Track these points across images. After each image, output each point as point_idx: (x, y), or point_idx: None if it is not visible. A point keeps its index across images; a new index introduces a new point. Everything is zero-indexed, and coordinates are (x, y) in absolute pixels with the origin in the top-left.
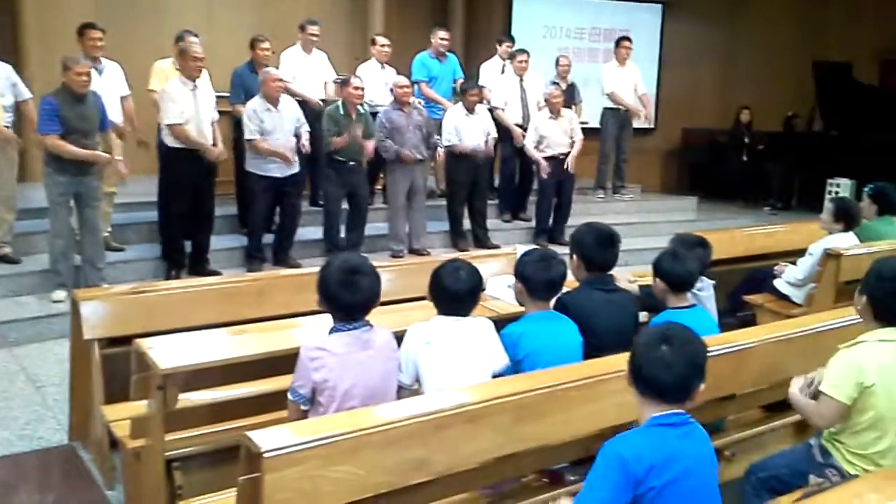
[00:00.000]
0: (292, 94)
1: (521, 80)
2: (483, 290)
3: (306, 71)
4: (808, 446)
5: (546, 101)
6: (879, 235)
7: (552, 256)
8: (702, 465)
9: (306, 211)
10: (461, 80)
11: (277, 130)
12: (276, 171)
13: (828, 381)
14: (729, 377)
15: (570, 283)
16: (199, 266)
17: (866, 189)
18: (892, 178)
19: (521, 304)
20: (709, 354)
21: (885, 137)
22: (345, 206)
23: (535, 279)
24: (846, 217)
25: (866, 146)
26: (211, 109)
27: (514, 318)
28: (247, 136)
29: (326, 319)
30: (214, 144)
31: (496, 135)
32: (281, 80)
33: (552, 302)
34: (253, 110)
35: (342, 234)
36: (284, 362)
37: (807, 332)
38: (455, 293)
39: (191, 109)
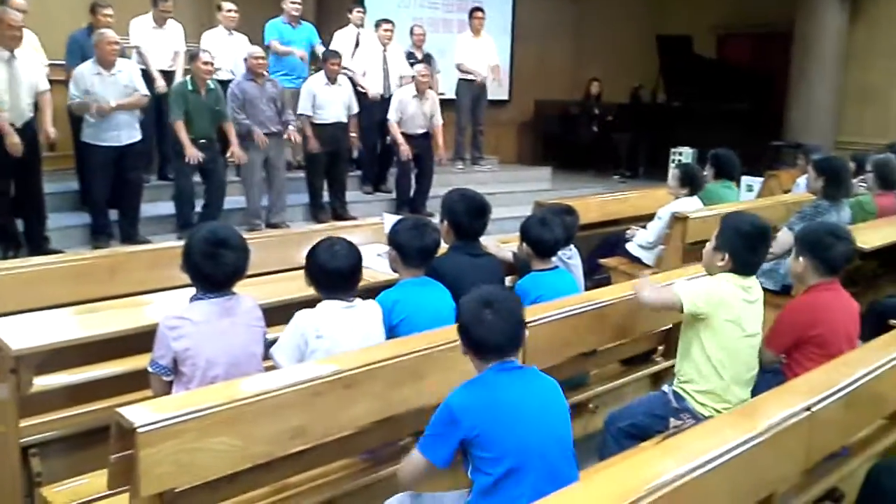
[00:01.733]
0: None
1: (385, 50)
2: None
3: (157, 43)
4: (663, 393)
5: (413, 79)
6: (720, 198)
7: (426, 224)
8: (539, 406)
9: (155, 185)
10: (319, 47)
11: (107, 95)
12: (114, 139)
13: (687, 288)
14: (591, 333)
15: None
16: (37, 245)
17: (709, 154)
18: (730, 145)
19: (394, 272)
20: (572, 312)
21: (722, 107)
22: (197, 179)
23: (409, 246)
24: (691, 182)
25: (706, 116)
26: (35, 81)
27: (386, 285)
28: (69, 100)
29: (185, 296)
30: (30, 125)
31: (357, 109)
32: (117, 42)
33: (425, 268)
34: (80, 73)
35: (196, 210)
36: (143, 340)
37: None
38: (334, 272)
39: (2, 83)
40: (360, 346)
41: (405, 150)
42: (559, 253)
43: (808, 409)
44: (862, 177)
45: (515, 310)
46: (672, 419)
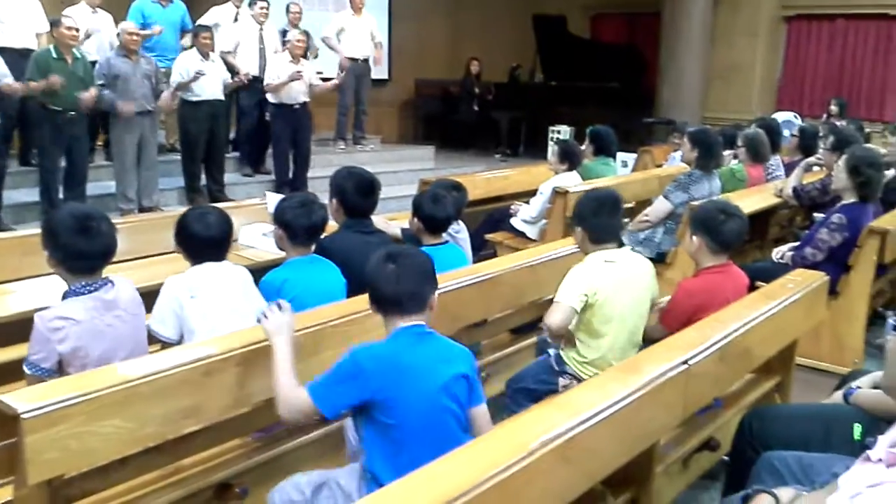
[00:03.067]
0: None
1: (261, 29)
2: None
3: (12, 18)
4: (547, 356)
5: (285, 45)
6: (598, 174)
7: (312, 201)
8: (446, 371)
9: (17, 171)
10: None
11: None
12: None
13: (560, 291)
14: (480, 304)
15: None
16: None
17: (588, 131)
18: (606, 123)
19: (281, 250)
20: (463, 284)
21: (597, 86)
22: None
23: (296, 224)
24: (570, 158)
25: (582, 95)
26: None
27: (273, 265)
28: None
29: (52, 283)
30: None
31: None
32: None
33: (313, 246)
34: None
35: (61, 195)
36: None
37: (544, 260)
38: (207, 239)
39: None
40: (235, 303)
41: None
42: (448, 228)
43: (685, 363)
44: (733, 150)
45: (420, 266)
46: (561, 379)
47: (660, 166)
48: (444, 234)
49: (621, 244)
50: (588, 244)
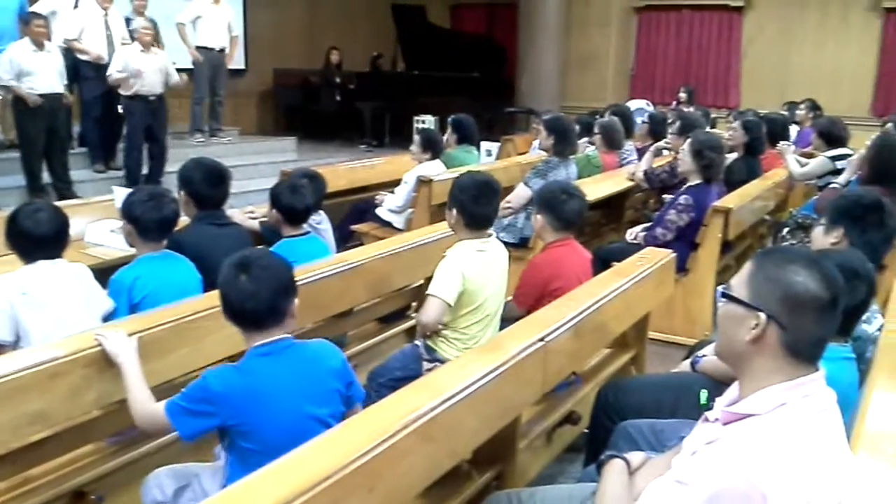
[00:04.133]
0: None
1: (106, 15)
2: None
3: None
4: (415, 346)
5: (132, 33)
6: (461, 162)
7: (162, 194)
8: (311, 380)
9: None
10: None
11: None
12: None
13: (435, 284)
14: (345, 294)
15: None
16: None
17: (449, 120)
18: (469, 112)
19: (131, 247)
20: (326, 274)
21: (459, 76)
22: None
23: (146, 219)
24: (432, 147)
25: (445, 84)
26: None
27: (123, 262)
28: None
29: None
30: None
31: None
32: None
33: (164, 242)
34: None
35: None
36: None
37: (410, 247)
38: (38, 237)
39: None
40: (73, 301)
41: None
42: (309, 219)
43: (542, 340)
44: (589, 138)
45: (277, 278)
46: (426, 363)
47: (523, 154)
48: (304, 226)
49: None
50: (463, 229)
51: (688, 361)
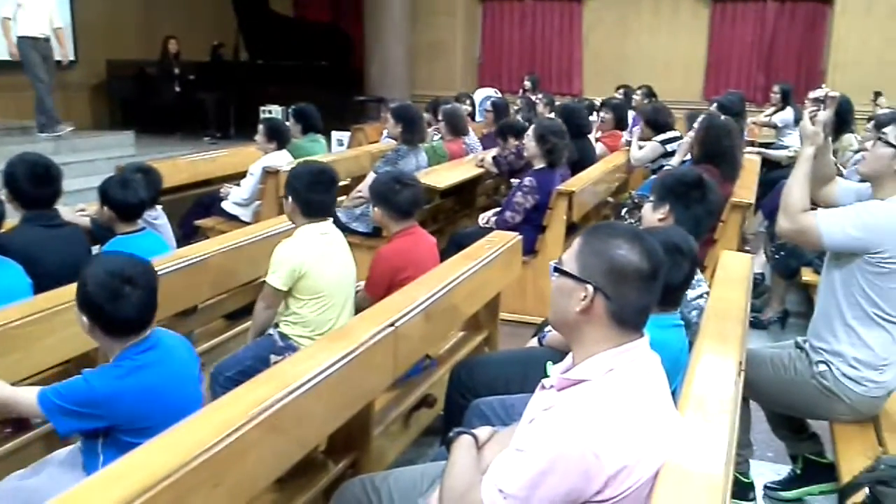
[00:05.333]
0: None
1: None
2: None
3: None
4: (270, 335)
5: None
6: (307, 152)
7: None
8: (179, 375)
9: None
10: None
11: None
12: None
13: (270, 273)
14: (186, 291)
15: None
16: None
17: (290, 110)
18: (317, 102)
19: None
20: (166, 271)
21: (305, 65)
22: None
23: None
24: (277, 136)
25: (291, 74)
26: None
27: None
28: None
29: None
30: None
31: None
32: None
33: None
34: None
35: None
36: None
37: (255, 240)
38: None
39: None
40: None
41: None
42: (144, 215)
43: (392, 325)
44: (435, 126)
45: (152, 281)
46: (273, 356)
47: (375, 143)
48: (139, 222)
49: (335, 219)
50: (300, 218)
51: (535, 338)
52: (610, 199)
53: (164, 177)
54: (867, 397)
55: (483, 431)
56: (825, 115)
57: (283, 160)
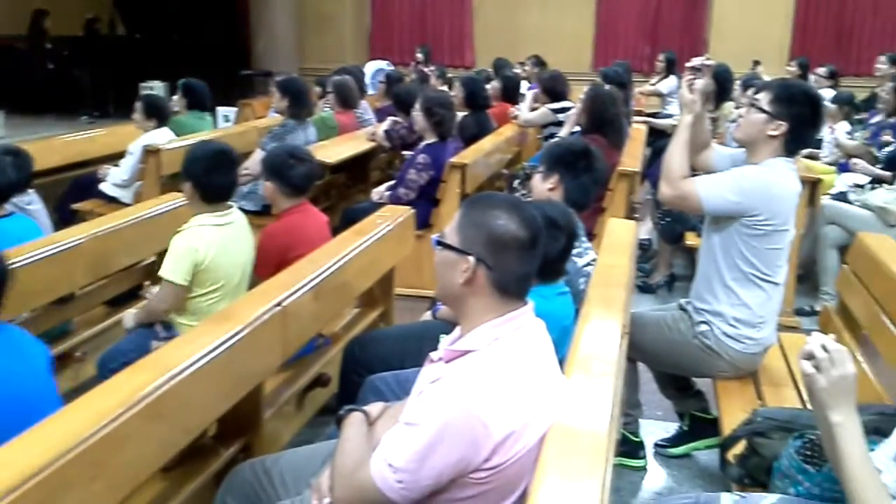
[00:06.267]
0: None
1: None
2: None
3: None
4: (152, 324)
5: None
6: (193, 129)
7: None
8: (36, 357)
9: None
10: None
11: None
12: None
13: (166, 266)
14: (62, 278)
15: None
16: None
17: (179, 84)
18: (202, 76)
19: None
20: (36, 257)
21: (188, 39)
22: None
23: None
24: (157, 113)
25: (174, 48)
26: None
27: None
28: None
29: None
30: None
31: None
32: None
33: None
34: None
35: None
36: None
37: (134, 222)
38: None
39: None
40: None
41: None
42: (14, 199)
43: (278, 304)
44: (326, 98)
45: (3, 268)
46: (154, 342)
47: (262, 118)
48: (7, 206)
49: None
50: (200, 203)
51: (429, 311)
52: (504, 171)
53: (37, 159)
54: (746, 354)
55: (374, 407)
56: (702, 83)
57: (163, 138)
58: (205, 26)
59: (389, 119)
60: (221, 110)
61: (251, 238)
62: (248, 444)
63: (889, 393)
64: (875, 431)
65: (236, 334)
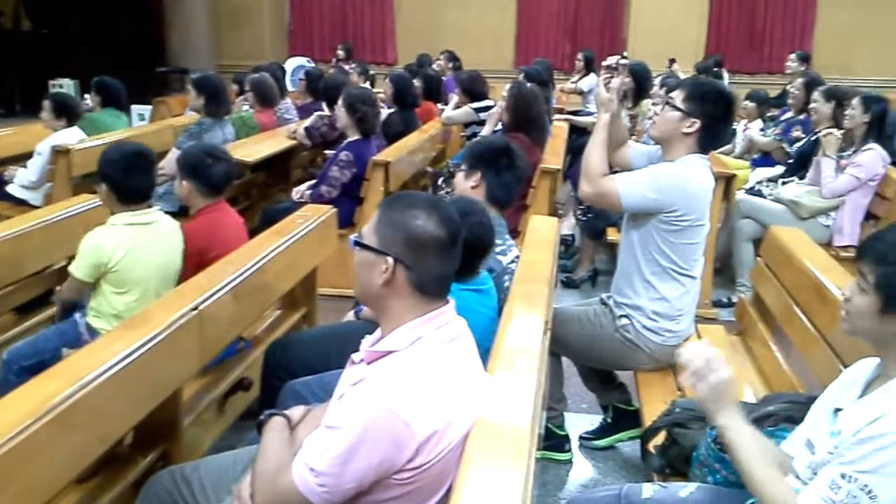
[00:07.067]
0: None
1: None
2: None
3: None
4: (75, 323)
5: None
6: (108, 127)
7: None
8: None
9: None
10: None
11: None
12: None
13: (75, 262)
14: None
15: None
16: None
17: (93, 82)
18: (115, 73)
19: None
20: None
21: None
22: None
23: None
24: (66, 112)
25: (85, 44)
26: None
27: None
28: None
29: None
30: None
31: None
32: None
33: None
34: None
35: None
36: None
37: (42, 225)
38: None
39: None
40: None
41: None
42: None
43: (195, 308)
44: (244, 96)
45: None
46: (65, 349)
47: (179, 116)
48: None
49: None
50: (117, 205)
51: (352, 311)
52: (429, 169)
53: None
54: (665, 346)
55: (296, 411)
56: (618, 81)
57: (73, 137)
58: (116, 20)
59: (315, 114)
60: (136, 108)
61: (178, 241)
62: (166, 451)
63: (801, 381)
64: (787, 420)
65: (151, 339)
